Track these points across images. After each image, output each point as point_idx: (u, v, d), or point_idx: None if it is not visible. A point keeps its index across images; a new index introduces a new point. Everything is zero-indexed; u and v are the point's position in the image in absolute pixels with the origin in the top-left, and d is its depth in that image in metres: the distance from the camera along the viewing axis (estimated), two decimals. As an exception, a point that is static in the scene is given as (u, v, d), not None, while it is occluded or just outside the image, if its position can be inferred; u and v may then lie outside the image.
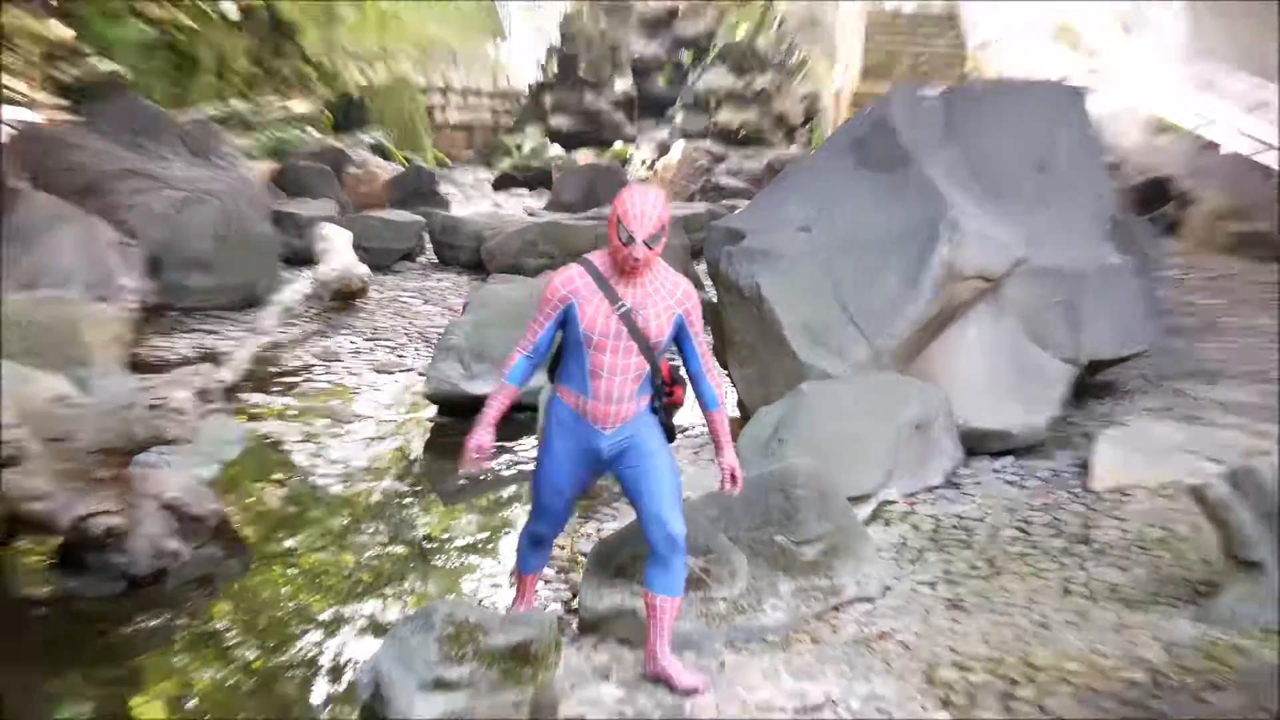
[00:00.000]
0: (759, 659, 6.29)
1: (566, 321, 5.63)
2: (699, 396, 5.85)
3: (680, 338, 5.73)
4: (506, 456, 10.23)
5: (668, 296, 5.58)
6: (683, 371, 6.03)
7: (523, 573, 6.50)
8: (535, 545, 6.36)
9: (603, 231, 16.39)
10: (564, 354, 5.81)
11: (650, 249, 5.37)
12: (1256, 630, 6.36)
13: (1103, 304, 10.27)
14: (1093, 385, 10.85)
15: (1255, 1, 21.20)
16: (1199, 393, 11.03)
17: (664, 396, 5.86)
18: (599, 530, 8.28)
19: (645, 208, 5.29)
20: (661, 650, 5.90)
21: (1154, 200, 21.60)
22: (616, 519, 8.34)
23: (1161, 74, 26.20)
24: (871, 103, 11.68)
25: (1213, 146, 23.81)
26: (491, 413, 5.82)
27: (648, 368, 5.65)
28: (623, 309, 5.47)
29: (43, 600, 7.34)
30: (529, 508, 6.35)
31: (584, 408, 5.68)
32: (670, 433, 5.91)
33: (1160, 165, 23.70)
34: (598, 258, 5.66)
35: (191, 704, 6.31)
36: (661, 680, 5.90)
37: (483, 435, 5.81)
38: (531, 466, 9.65)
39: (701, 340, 5.80)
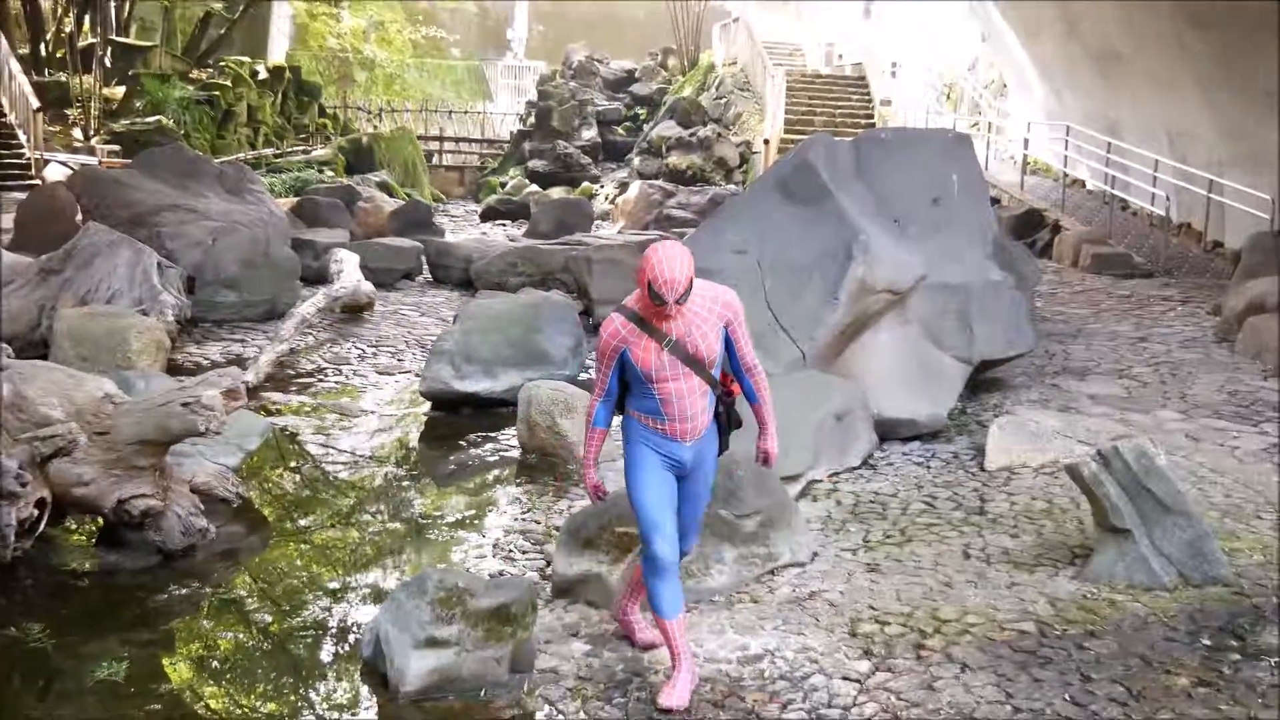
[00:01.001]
0: (707, 617, 6.22)
1: (625, 365, 5.18)
2: (743, 391, 5.42)
3: (726, 341, 5.26)
4: (490, 445, 10.14)
5: (709, 315, 5.10)
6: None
7: (661, 616, 5.36)
8: (661, 575, 5.28)
9: (570, 255, 16.58)
10: (630, 388, 5.32)
11: (680, 305, 4.93)
12: (1125, 586, 6.38)
13: (990, 313, 10.31)
14: (984, 381, 10.85)
15: (1100, 76, 21.53)
16: (1072, 387, 11.05)
17: (723, 398, 5.38)
18: (569, 507, 8.16)
19: (673, 274, 4.79)
20: (631, 608, 5.86)
21: (1029, 228, 21.77)
22: (586, 497, 8.22)
23: (1032, 128, 26.39)
24: (794, 148, 11.65)
25: (1077, 184, 23.96)
26: (591, 456, 5.49)
27: (709, 386, 5.23)
28: (669, 343, 5.01)
29: (86, 572, 7.22)
30: (638, 551, 5.69)
31: (662, 429, 5.22)
32: (732, 424, 5.48)
33: (1033, 200, 23.88)
34: (633, 302, 5.16)
35: (216, 663, 6.22)
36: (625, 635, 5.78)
37: (593, 475, 5.51)
38: (513, 454, 9.68)
39: (744, 340, 5.31)
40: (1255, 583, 6.34)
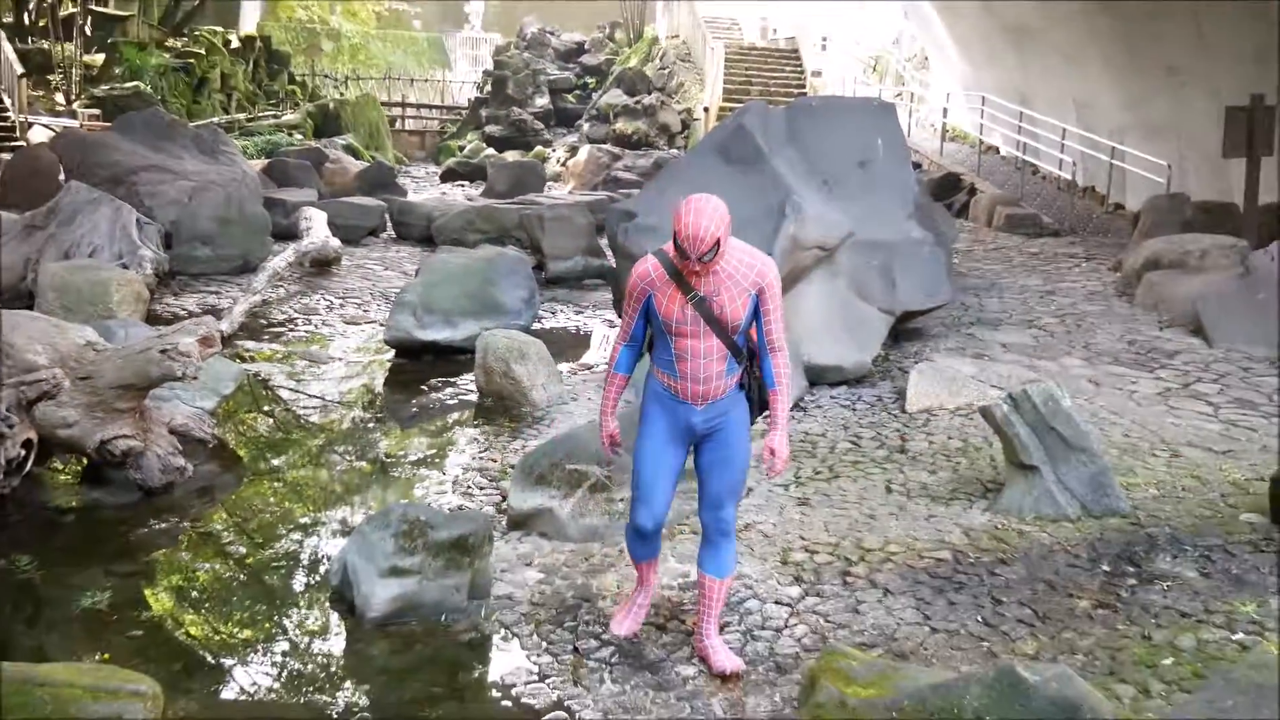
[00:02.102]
0: (651, 546, 6.18)
1: (649, 310, 4.71)
2: (762, 373, 4.79)
3: (755, 312, 4.66)
4: (450, 389, 10.08)
5: (742, 280, 4.53)
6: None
7: (634, 560, 5.23)
8: (640, 539, 5.04)
9: (524, 213, 16.51)
10: (654, 339, 4.80)
11: (705, 264, 4.38)
12: (1032, 518, 6.45)
13: (911, 268, 10.31)
14: (905, 330, 10.88)
15: (1013, 50, 21.60)
16: (985, 336, 11.11)
17: (751, 374, 4.82)
18: (524, 446, 8.11)
19: (698, 230, 4.27)
20: (707, 631, 5.01)
21: (948, 190, 21.87)
22: (539, 436, 8.22)
23: (951, 98, 26.47)
24: (732, 115, 11.60)
25: (991, 150, 24.06)
26: (609, 403, 5.02)
27: (732, 353, 4.66)
28: (695, 297, 4.49)
29: (71, 508, 7.17)
30: (628, 496, 5.18)
31: (675, 387, 4.70)
32: (761, 406, 4.90)
33: (952, 164, 23.97)
34: (671, 249, 4.58)
35: (194, 592, 6.16)
36: (701, 658, 5.05)
37: (610, 425, 5.05)
38: (471, 398, 9.65)
39: (773, 316, 4.66)
40: (1150, 514, 6.42)
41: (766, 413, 4.91)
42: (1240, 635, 4.93)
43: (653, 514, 4.88)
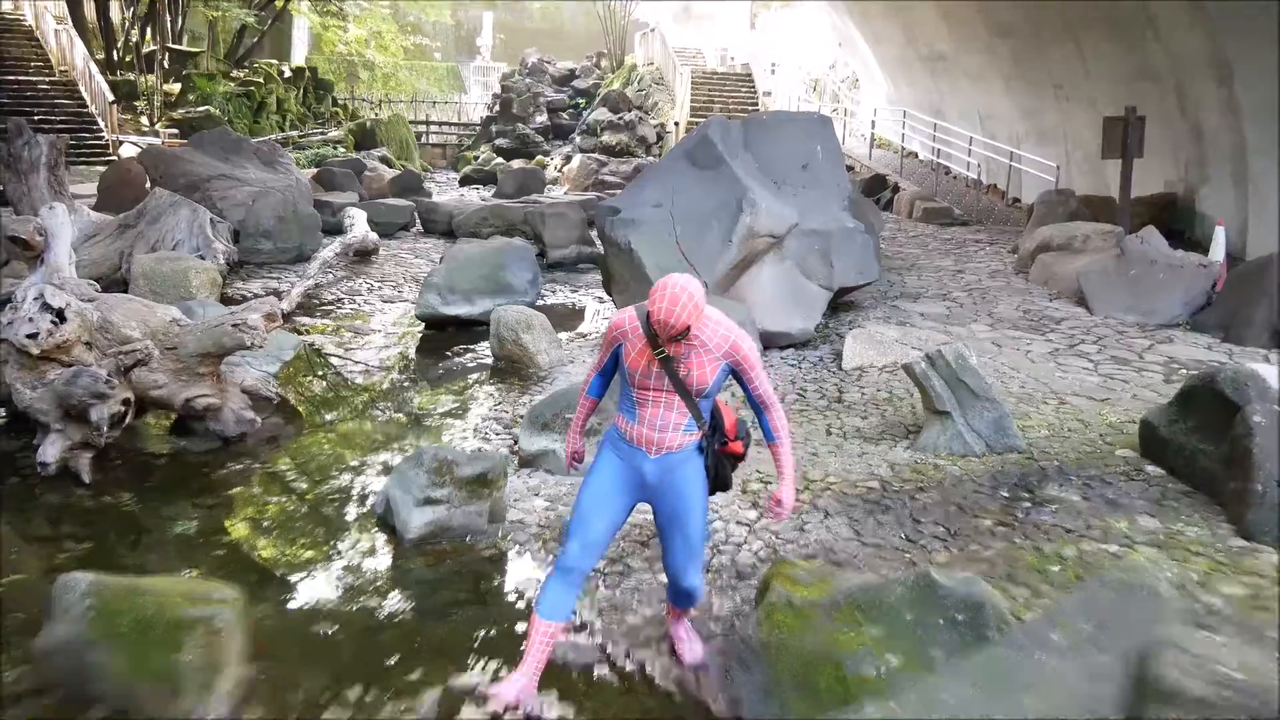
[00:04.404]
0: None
1: (618, 357, 4.08)
2: (761, 429, 4.11)
3: (739, 380, 3.98)
4: (469, 355, 10.10)
5: (714, 351, 3.85)
6: (751, 426, 4.63)
7: (538, 614, 4.00)
8: (561, 578, 3.98)
9: (528, 210, 16.48)
10: (621, 383, 4.14)
11: (677, 344, 3.81)
12: (945, 454, 6.52)
13: (846, 252, 10.31)
14: (842, 303, 10.92)
15: (928, 73, 21.59)
16: (907, 307, 11.15)
17: (719, 443, 4.11)
18: (530, 400, 8.16)
19: (670, 316, 3.62)
20: (681, 627, 4.48)
21: (876, 188, 21.88)
22: (543, 392, 8.25)
23: (878, 112, 26.42)
24: (697, 128, 11.58)
25: (911, 155, 24.04)
26: (579, 422, 4.40)
27: (694, 417, 3.97)
28: (662, 354, 3.84)
29: (163, 454, 7.18)
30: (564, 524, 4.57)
31: (631, 432, 4.00)
32: (721, 483, 4.17)
33: (879, 167, 23.95)
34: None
35: (264, 521, 6.18)
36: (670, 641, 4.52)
37: (577, 443, 4.40)
38: (487, 361, 9.68)
39: (759, 381, 3.97)
40: (1042, 450, 6.50)
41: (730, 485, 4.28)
42: (1114, 547, 5.00)
43: (581, 549, 3.97)
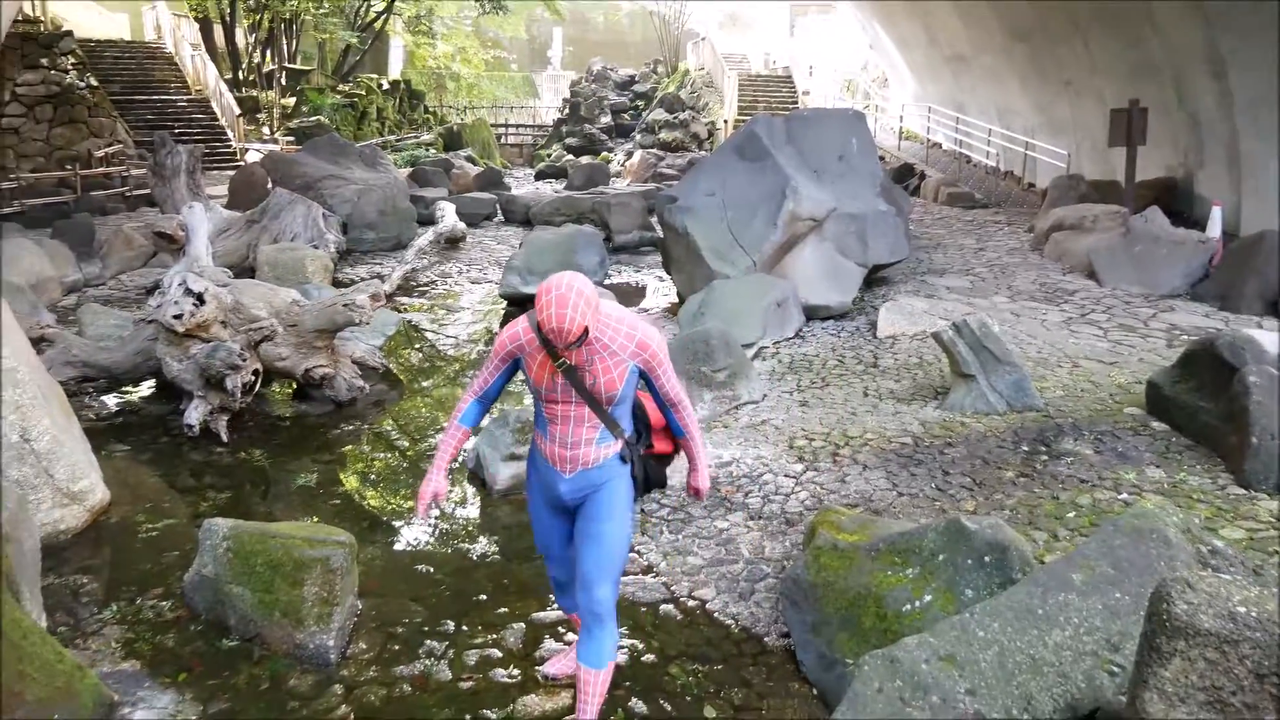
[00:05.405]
0: (694, 437, 6.18)
1: (517, 371, 3.27)
2: (669, 426, 3.36)
3: (647, 382, 3.23)
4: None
5: (620, 351, 3.06)
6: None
7: (564, 611, 3.82)
8: (560, 590, 3.67)
9: (596, 201, 16.41)
10: (532, 399, 3.31)
11: (577, 351, 3.00)
12: (971, 413, 6.36)
13: (878, 233, 10.09)
14: (875, 279, 10.70)
15: (951, 73, 21.15)
16: (934, 281, 10.91)
17: (645, 446, 3.35)
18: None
19: (561, 322, 2.82)
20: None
21: (904, 175, 21.47)
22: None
23: (905, 108, 25.96)
24: (744, 125, 11.43)
25: (935, 146, 23.58)
26: (444, 458, 3.34)
27: (606, 426, 3.17)
28: (563, 365, 3.03)
29: (287, 416, 7.28)
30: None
31: (545, 450, 3.23)
32: (649, 483, 3.36)
33: (907, 157, 23.54)
34: None
35: (373, 475, 6.25)
36: None
37: (439, 482, 3.36)
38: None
39: (666, 381, 3.19)
40: (1057, 409, 6.33)
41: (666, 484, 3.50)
42: (1124, 495, 4.87)
43: (556, 563, 3.51)
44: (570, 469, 3.19)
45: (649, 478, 3.34)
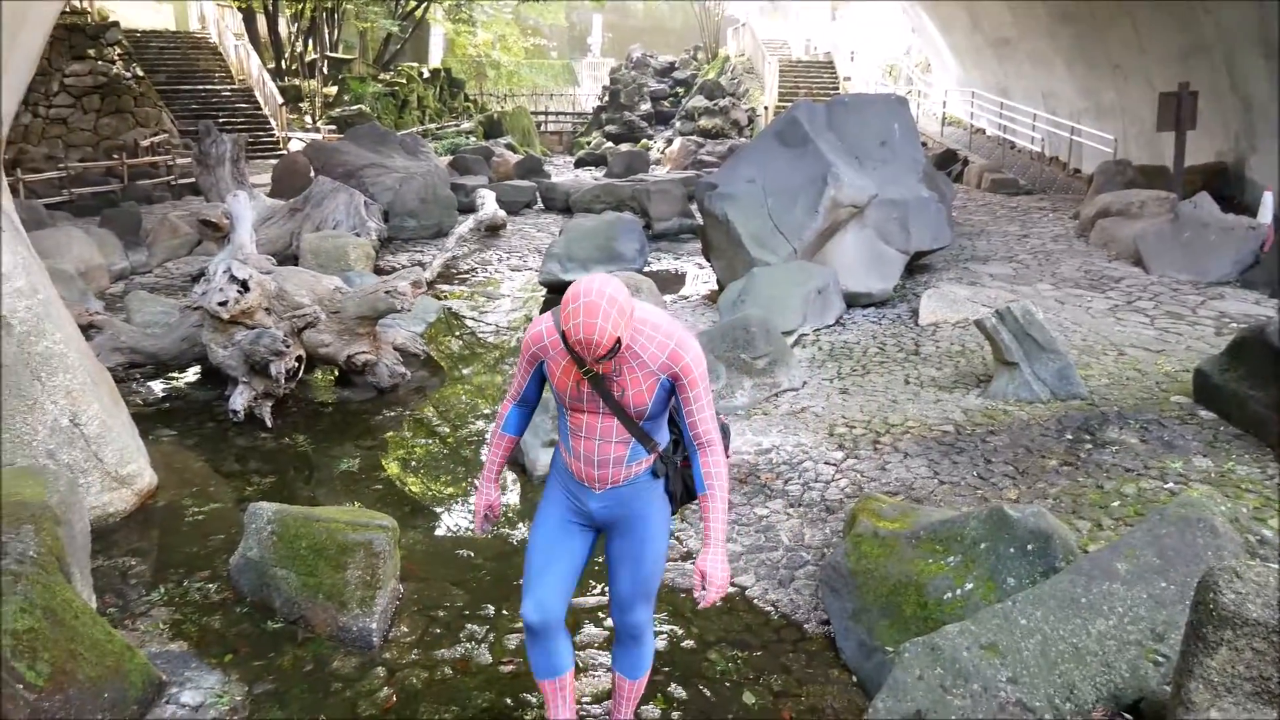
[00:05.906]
0: (734, 424, 6.21)
1: (543, 376, 2.95)
2: (693, 474, 2.87)
3: (675, 400, 2.83)
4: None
5: (650, 362, 2.70)
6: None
7: (536, 677, 3.12)
8: (534, 641, 3.01)
9: (635, 188, 16.40)
10: (555, 404, 2.97)
11: (606, 363, 2.61)
12: (1014, 400, 6.30)
13: (921, 219, 10.02)
14: (917, 265, 10.63)
15: (995, 57, 20.84)
16: (977, 268, 10.81)
17: (682, 457, 2.94)
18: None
19: (591, 333, 2.50)
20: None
21: (947, 161, 21.21)
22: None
23: (948, 93, 25.65)
24: (785, 111, 11.35)
25: (979, 131, 23.27)
26: (492, 469, 3.16)
27: (639, 439, 2.83)
28: (589, 374, 2.68)
29: (330, 402, 7.36)
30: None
31: (571, 465, 2.92)
32: (688, 494, 2.97)
33: (950, 143, 23.26)
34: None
35: (413, 460, 6.31)
36: None
37: (490, 494, 3.16)
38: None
39: (696, 407, 2.76)
40: (1102, 397, 6.25)
41: (694, 502, 3.10)
42: (1170, 484, 4.79)
43: (538, 605, 2.93)
44: (600, 486, 2.90)
45: (687, 488, 2.98)
